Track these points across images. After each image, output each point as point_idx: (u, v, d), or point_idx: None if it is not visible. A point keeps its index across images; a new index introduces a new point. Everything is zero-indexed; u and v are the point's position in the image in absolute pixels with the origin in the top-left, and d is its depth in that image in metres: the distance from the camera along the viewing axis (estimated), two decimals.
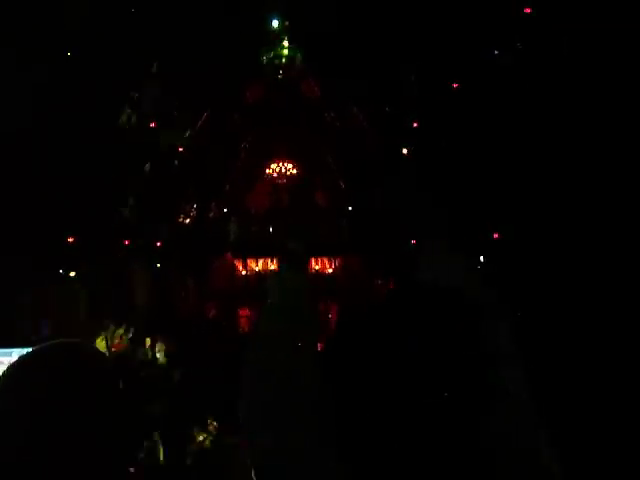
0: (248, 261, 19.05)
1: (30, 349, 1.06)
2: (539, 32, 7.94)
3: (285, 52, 11.56)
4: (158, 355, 9.24)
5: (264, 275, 18.98)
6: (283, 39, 12.41)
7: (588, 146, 7.40)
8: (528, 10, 8.02)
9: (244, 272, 19.03)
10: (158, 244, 13.29)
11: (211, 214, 17.79)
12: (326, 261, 19.42)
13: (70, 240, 9.88)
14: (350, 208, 17.45)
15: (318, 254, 19.04)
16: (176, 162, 13.70)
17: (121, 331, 8.10)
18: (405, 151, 12.51)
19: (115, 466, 0.96)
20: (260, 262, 19.29)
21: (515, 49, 8.47)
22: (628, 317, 6.39)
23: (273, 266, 19.20)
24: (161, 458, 6.25)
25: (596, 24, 6.92)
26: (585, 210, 7.58)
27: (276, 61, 14.28)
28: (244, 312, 16.72)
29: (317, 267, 19.54)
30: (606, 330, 6.62)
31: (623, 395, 5.36)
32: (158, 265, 13.61)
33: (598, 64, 7.16)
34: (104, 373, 1.02)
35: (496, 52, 8.84)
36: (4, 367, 1.05)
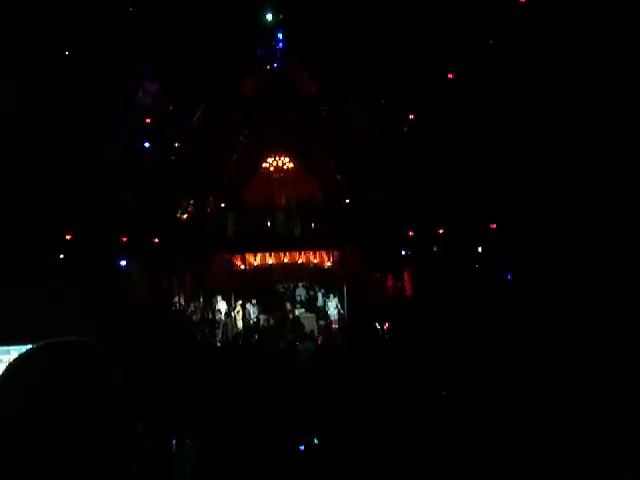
0: (246, 255, 19.07)
1: (28, 347, 1.06)
2: (533, 22, 7.92)
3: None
4: None
5: (262, 270, 19.04)
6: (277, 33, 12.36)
7: (584, 137, 7.41)
8: (522, 0, 7.99)
9: (242, 267, 19.06)
10: (156, 240, 13.28)
11: (208, 209, 17.78)
12: (324, 255, 19.46)
13: (68, 237, 9.87)
14: (347, 201, 17.44)
15: (316, 247, 19.09)
16: (173, 157, 13.66)
17: None
18: (401, 143, 12.50)
19: (116, 462, 0.97)
20: (258, 257, 19.32)
21: (509, 39, 8.45)
22: (628, 312, 6.42)
23: (271, 260, 19.23)
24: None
25: (591, 14, 6.90)
26: (582, 200, 7.59)
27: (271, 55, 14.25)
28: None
29: (315, 260, 19.58)
30: (605, 322, 6.65)
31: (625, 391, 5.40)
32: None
33: (593, 53, 7.15)
34: (104, 369, 1.02)
35: (490, 42, 8.83)
36: (3, 365, 1.05)
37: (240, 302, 16.38)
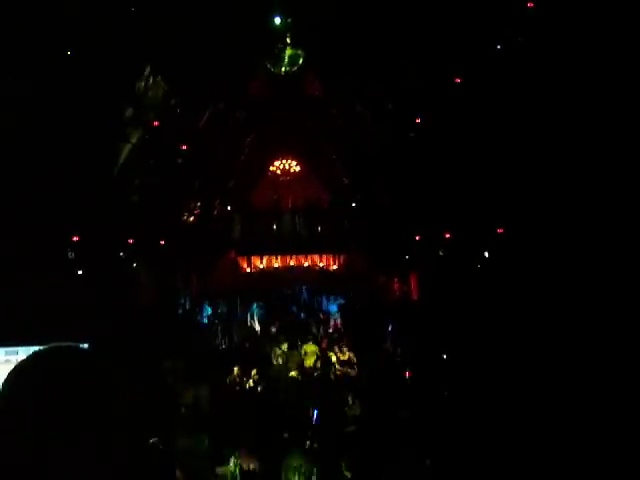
0: (252, 259, 19.09)
1: (37, 348, 1.06)
2: (541, 26, 7.90)
3: (288, 52, 11.50)
4: None
5: (268, 272, 19.05)
6: (286, 37, 12.37)
7: (594, 142, 7.37)
8: (531, 4, 7.97)
9: (248, 270, 19.08)
10: (162, 242, 13.31)
11: (215, 211, 17.82)
12: (330, 258, 19.45)
13: (75, 239, 9.91)
14: (353, 205, 17.44)
15: (322, 251, 19.09)
16: (180, 160, 13.70)
17: None
18: (408, 147, 12.49)
19: (118, 467, 0.97)
20: (264, 259, 19.33)
21: (517, 43, 8.43)
22: (630, 315, 6.38)
23: (277, 263, 19.25)
24: None
25: (601, 20, 6.87)
26: (589, 205, 7.55)
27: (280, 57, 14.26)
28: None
29: (322, 264, 19.58)
30: (608, 325, 6.61)
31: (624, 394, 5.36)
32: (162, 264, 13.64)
33: (603, 59, 7.12)
34: (104, 376, 1.02)
35: (498, 47, 8.81)
36: (11, 365, 1.06)
37: (246, 305, 16.40)
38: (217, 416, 7.79)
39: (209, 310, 16.28)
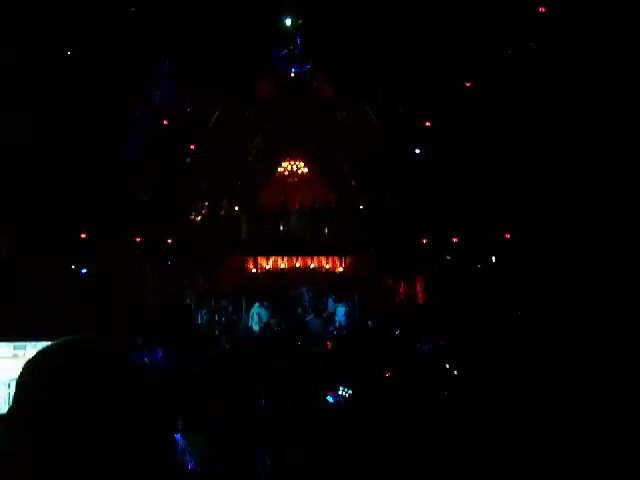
0: (259, 259, 19.11)
1: (44, 343, 1.07)
2: (553, 31, 7.88)
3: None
4: None
5: (274, 273, 19.07)
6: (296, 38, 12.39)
7: (603, 148, 7.34)
8: (543, 9, 7.95)
9: (254, 270, 19.10)
10: (169, 241, 13.36)
11: (222, 211, 17.85)
12: (337, 260, 19.44)
13: (83, 236, 9.97)
14: (361, 207, 17.42)
15: (329, 252, 19.07)
16: (188, 159, 13.75)
17: None
18: (417, 151, 12.48)
19: (131, 459, 0.97)
20: (270, 260, 19.35)
21: (529, 48, 8.42)
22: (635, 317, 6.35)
23: (283, 264, 19.25)
24: None
25: (609, 24, 6.85)
26: (596, 211, 7.52)
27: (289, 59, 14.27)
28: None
29: (328, 265, 19.56)
30: (613, 328, 6.58)
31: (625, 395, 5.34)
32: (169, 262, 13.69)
33: (613, 64, 7.10)
34: (120, 368, 1.02)
35: (509, 52, 8.79)
36: (19, 360, 1.07)
37: (252, 305, 16.39)
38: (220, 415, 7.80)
39: (220, 308, 16.29)
